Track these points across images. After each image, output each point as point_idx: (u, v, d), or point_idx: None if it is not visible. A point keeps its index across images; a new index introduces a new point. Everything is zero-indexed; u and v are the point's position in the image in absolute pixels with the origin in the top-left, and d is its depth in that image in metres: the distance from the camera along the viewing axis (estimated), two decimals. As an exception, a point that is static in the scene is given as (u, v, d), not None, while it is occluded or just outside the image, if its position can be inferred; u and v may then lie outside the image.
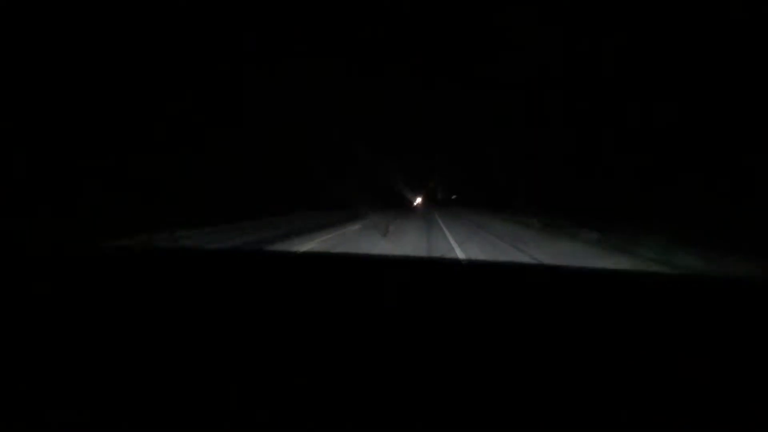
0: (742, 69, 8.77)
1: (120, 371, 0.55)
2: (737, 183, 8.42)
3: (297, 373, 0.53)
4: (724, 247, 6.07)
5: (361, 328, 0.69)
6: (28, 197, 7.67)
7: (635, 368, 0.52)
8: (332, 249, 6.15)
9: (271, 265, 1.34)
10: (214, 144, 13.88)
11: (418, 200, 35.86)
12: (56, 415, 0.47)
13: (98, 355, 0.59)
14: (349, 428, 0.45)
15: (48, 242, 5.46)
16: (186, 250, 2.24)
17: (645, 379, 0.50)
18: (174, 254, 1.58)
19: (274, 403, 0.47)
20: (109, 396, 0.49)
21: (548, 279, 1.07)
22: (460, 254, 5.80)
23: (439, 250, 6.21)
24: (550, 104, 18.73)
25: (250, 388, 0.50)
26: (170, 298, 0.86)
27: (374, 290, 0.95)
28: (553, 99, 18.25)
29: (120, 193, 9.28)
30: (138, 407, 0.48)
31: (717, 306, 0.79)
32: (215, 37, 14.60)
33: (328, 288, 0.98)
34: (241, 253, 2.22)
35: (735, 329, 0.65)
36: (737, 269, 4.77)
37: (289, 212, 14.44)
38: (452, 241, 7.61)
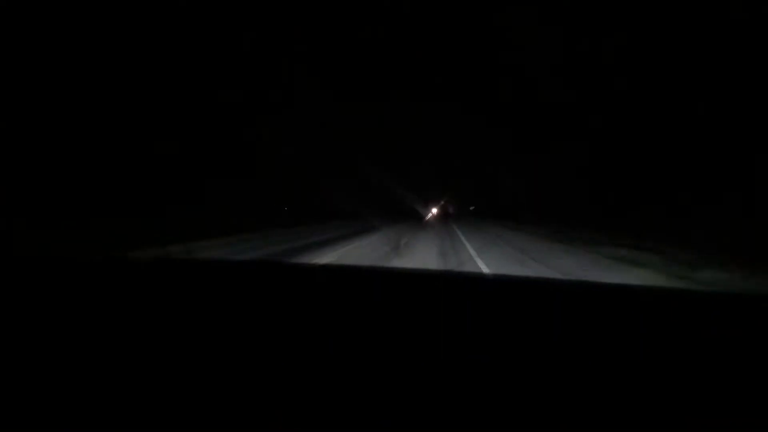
0: (744, 69, 8.78)
1: (121, 374, 0.56)
2: (742, 185, 8.41)
3: (303, 382, 0.54)
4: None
5: (371, 338, 0.70)
6: (40, 205, 7.67)
7: (654, 382, 0.54)
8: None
9: (281, 275, 1.36)
10: (231, 157, 13.93)
11: (432, 212, 34.66)
12: (58, 416, 0.48)
13: (101, 359, 0.60)
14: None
15: (57, 250, 5.48)
16: (194, 259, 2.25)
17: (664, 393, 0.51)
18: (181, 263, 1.61)
19: (277, 408, 0.48)
20: (110, 397, 0.50)
21: (570, 294, 1.07)
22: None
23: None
24: (557, 113, 18.69)
25: (254, 391, 0.51)
26: (174, 305, 0.88)
27: (387, 303, 0.95)
28: (559, 107, 18.21)
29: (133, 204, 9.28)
30: (139, 409, 0.49)
31: (730, 321, 0.80)
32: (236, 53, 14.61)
33: (338, 298, 0.98)
34: (253, 263, 2.21)
35: (743, 344, 0.66)
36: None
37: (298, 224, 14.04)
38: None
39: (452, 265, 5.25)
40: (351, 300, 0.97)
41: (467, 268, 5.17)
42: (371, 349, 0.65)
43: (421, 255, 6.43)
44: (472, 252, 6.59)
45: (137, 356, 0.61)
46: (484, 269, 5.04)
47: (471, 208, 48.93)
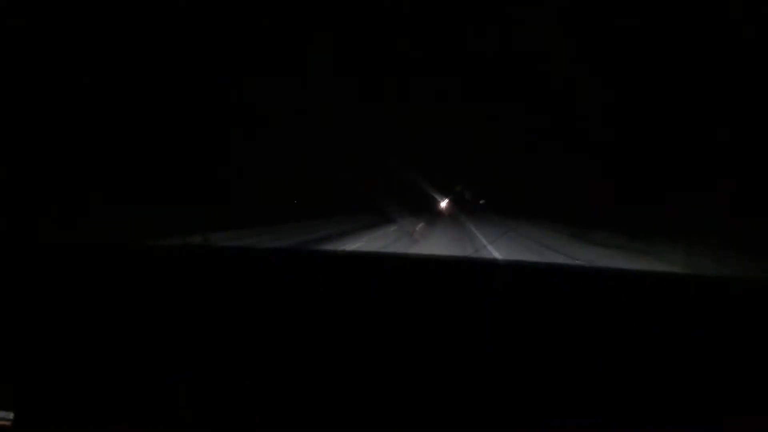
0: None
1: (120, 370, 0.55)
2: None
3: (308, 375, 0.53)
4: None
5: (382, 326, 0.68)
6: (42, 197, 7.61)
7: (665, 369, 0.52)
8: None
9: (291, 263, 1.30)
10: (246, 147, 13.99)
11: (445, 202, 34.83)
12: (60, 413, 0.49)
13: (98, 355, 0.59)
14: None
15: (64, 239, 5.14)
16: (201, 248, 2.21)
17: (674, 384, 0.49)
18: (185, 252, 1.53)
19: (280, 406, 0.48)
20: (110, 395, 0.51)
21: (584, 280, 1.04)
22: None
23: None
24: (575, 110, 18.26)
25: (255, 390, 0.51)
26: (174, 294, 0.84)
27: (399, 289, 0.93)
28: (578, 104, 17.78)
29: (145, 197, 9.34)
30: (138, 406, 0.49)
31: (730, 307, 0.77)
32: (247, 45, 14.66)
33: (350, 286, 0.95)
34: (262, 251, 2.17)
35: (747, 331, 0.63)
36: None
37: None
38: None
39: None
40: (363, 289, 0.93)
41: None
42: (385, 338, 0.63)
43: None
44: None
45: (147, 345, 0.60)
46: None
47: (481, 201, 39.49)
